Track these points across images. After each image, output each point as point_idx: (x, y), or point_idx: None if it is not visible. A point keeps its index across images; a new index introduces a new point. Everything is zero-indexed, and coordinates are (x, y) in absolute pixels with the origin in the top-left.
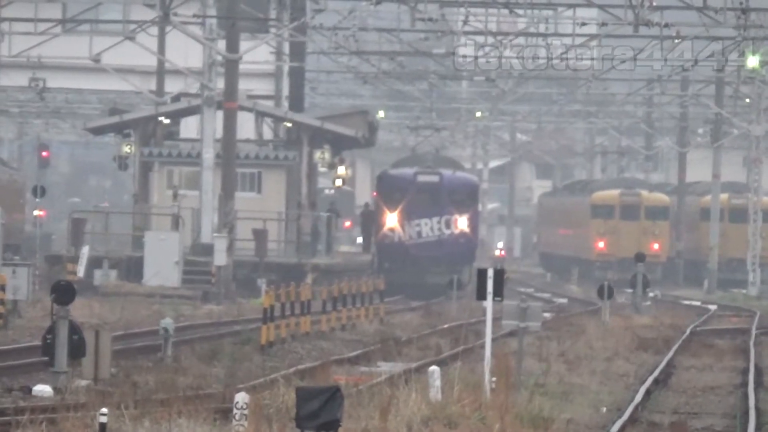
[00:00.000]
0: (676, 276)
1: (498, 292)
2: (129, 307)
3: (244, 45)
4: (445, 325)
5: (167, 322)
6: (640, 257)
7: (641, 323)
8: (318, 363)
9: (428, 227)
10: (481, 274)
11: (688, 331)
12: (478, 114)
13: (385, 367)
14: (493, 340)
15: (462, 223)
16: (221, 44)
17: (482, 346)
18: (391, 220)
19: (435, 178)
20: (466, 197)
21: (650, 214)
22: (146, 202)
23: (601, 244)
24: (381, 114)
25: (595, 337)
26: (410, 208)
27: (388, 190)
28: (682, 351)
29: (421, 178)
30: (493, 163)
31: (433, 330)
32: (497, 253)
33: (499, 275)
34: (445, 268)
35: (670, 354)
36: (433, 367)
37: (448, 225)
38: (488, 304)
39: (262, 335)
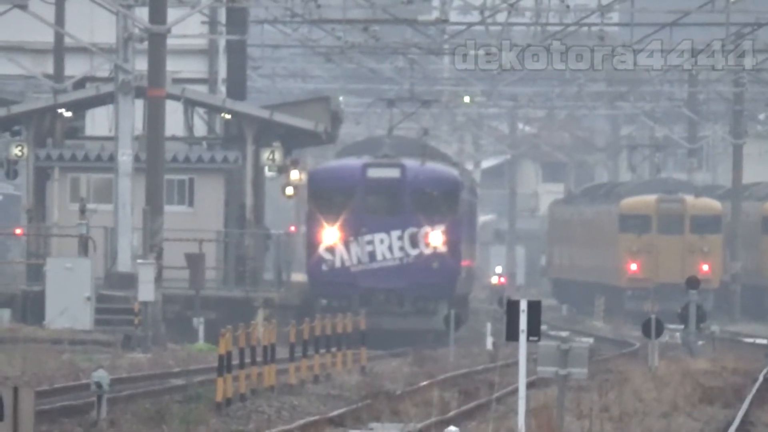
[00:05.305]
0: (732, 306)
1: (534, 331)
2: (31, 357)
3: (170, 14)
4: (442, 375)
5: (101, 375)
6: (693, 282)
7: (698, 368)
8: (295, 425)
9: (385, 246)
10: (512, 306)
11: (761, 378)
12: (467, 99)
13: (380, 430)
14: (514, 391)
15: (435, 238)
16: (140, 13)
17: (499, 401)
18: (329, 236)
19: (394, 172)
20: (441, 200)
21: (697, 226)
22: (44, 220)
23: (633, 267)
24: (340, 100)
25: (645, 386)
26: (357, 219)
27: (325, 192)
28: (759, 403)
29: (374, 173)
30: (487, 163)
31: (431, 380)
32: (495, 280)
33: (535, 309)
34: (412, 307)
35: (744, 407)
36: (452, 428)
37: (414, 242)
38: (521, 345)
39: (217, 390)
